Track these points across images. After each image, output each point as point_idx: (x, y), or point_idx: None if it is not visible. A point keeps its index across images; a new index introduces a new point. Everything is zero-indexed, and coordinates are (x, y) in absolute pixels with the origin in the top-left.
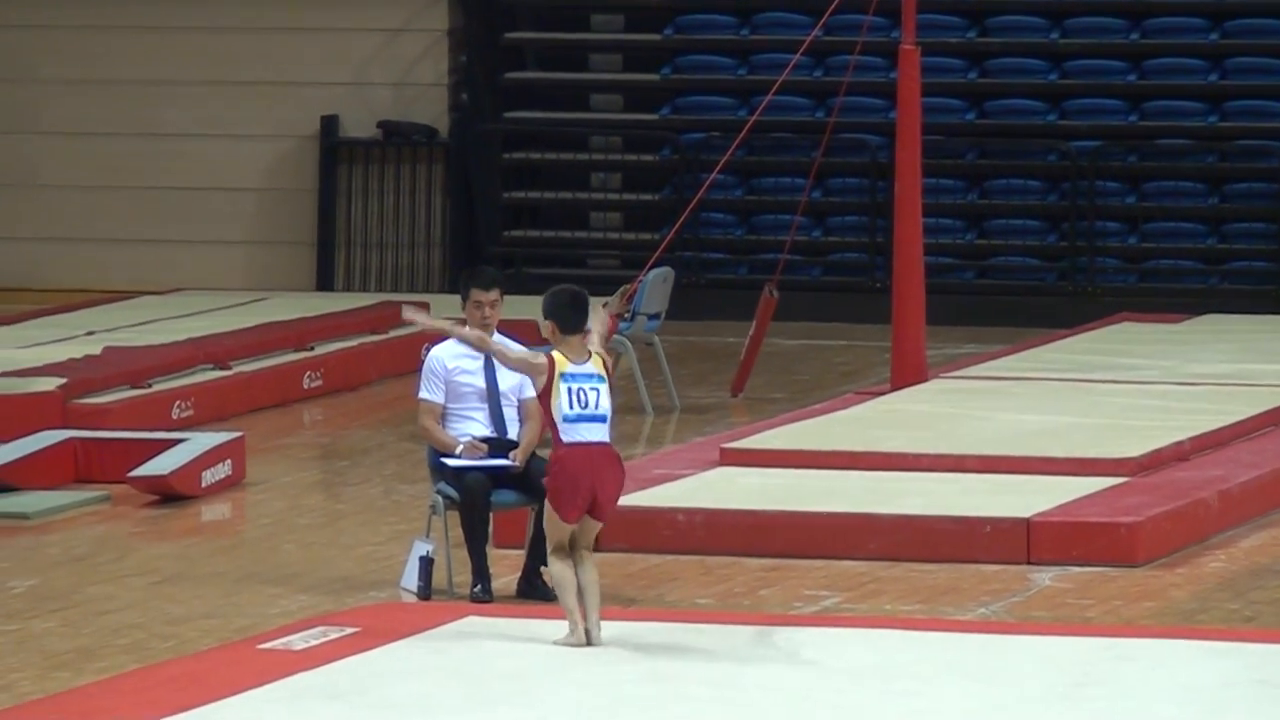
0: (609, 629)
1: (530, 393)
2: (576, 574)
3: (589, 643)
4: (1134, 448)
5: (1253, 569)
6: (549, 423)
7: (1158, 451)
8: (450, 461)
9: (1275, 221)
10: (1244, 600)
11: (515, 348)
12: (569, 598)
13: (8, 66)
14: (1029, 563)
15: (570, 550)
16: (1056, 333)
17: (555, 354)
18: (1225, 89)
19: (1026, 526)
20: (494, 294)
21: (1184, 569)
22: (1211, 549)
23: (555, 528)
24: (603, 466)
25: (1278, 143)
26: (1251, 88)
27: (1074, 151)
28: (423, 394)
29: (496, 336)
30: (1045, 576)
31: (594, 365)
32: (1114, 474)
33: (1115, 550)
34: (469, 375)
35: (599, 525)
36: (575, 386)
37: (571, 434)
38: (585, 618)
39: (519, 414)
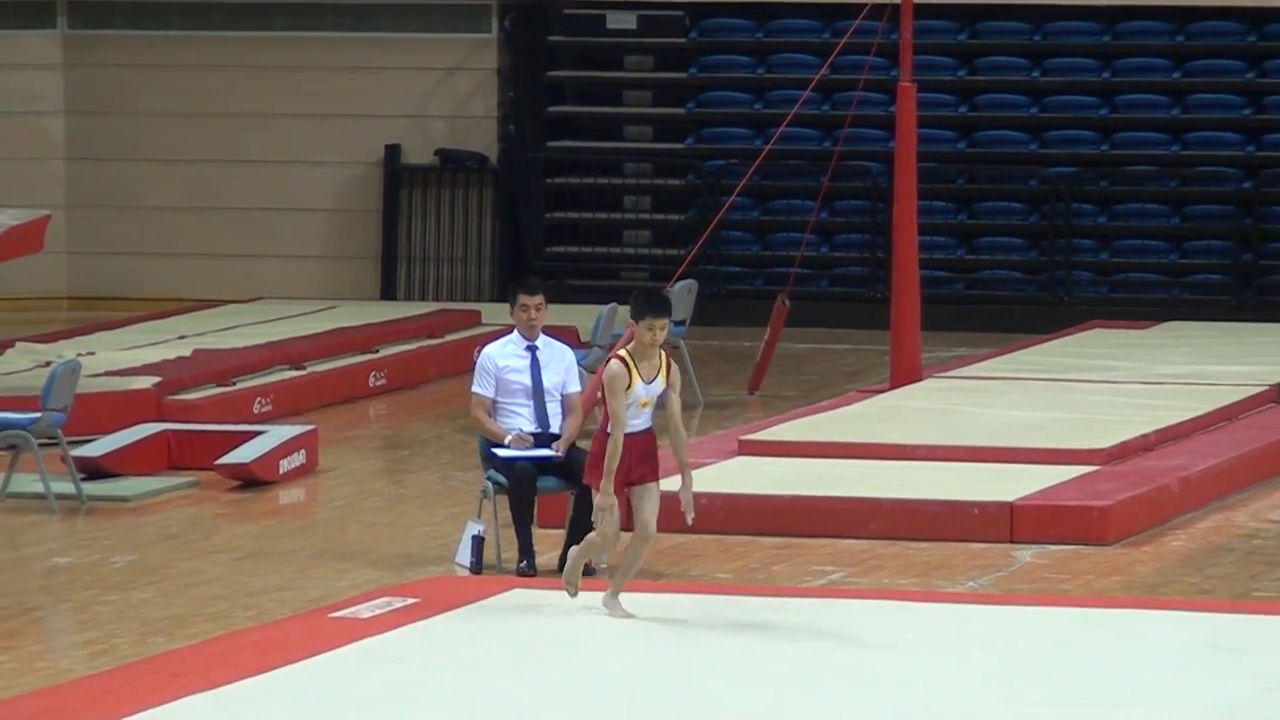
0: (639, 599)
1: (573, 388)
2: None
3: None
4: (1105, 440)
5: (1209, 547)
6: (600, 408)
7: (1126, 443)
8: (500, 451)
9: (1230, 239)
10: (1202, 575)
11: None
12: (574, 572)
13: (112, 101)
14: (1012, 541)
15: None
16: (1037, 338)
17: (630, 366)
18: (1186, 122)
19: (1010, 509)
20: (538, 299)
21: (1149, 547)
22: (1173, 529)
23: (603, 516)
24: (644, 448)
25: (1233, 169)
26: (1210, 121)
27: (1053, 177)
28: (475, 388)
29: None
30: (1026, 554)
31: (660, 381)
32: (1087, 463)
33: (1088, 530)
34: (517, 373)
35: (655, 489)
36: (642, 400)
37: (624, 427)
38: (611, 576)
39: (561, 408)
